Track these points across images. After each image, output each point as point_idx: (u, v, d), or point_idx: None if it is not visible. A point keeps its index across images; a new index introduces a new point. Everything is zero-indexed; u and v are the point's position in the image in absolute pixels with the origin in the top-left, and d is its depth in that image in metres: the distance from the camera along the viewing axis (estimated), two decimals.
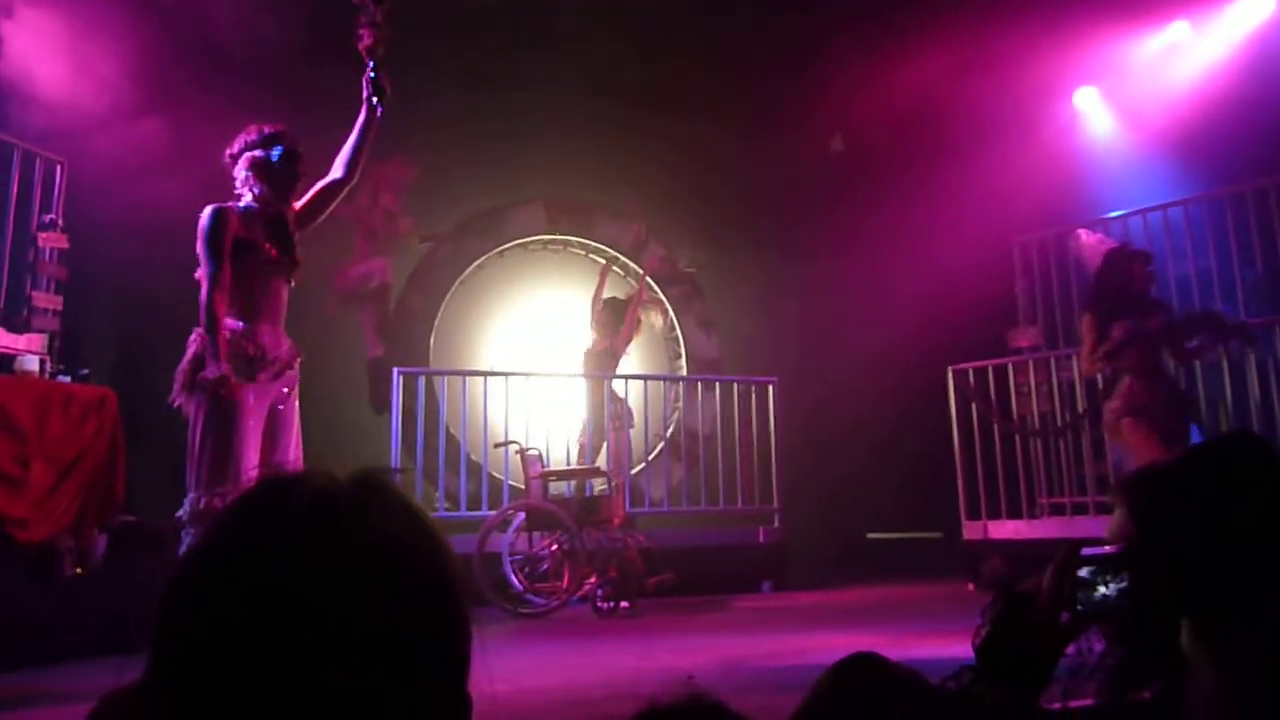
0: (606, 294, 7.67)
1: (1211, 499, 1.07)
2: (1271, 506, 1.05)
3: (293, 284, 3.61)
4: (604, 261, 8.30)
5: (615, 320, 7.40)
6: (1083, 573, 1.14)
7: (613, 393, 7.18)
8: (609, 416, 7.02)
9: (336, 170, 3.66)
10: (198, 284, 3.42)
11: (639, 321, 7.80)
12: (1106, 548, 1.15)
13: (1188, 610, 1.07)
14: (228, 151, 3.55)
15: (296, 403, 3.61)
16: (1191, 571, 1.07)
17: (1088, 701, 1.16)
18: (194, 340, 3.42)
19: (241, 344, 3.42)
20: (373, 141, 3.64)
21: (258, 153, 3.50)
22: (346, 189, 3.70)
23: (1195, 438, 5.11)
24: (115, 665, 0.69)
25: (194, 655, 0.62)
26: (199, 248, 3.41)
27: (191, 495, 3.30)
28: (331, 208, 3.71)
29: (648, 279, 8.18)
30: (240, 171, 3.52)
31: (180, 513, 3.30)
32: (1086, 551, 1.14)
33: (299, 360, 3.61)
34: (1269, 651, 0.97)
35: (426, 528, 0.71)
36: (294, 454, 3.56)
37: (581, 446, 7.06)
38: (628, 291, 8.20)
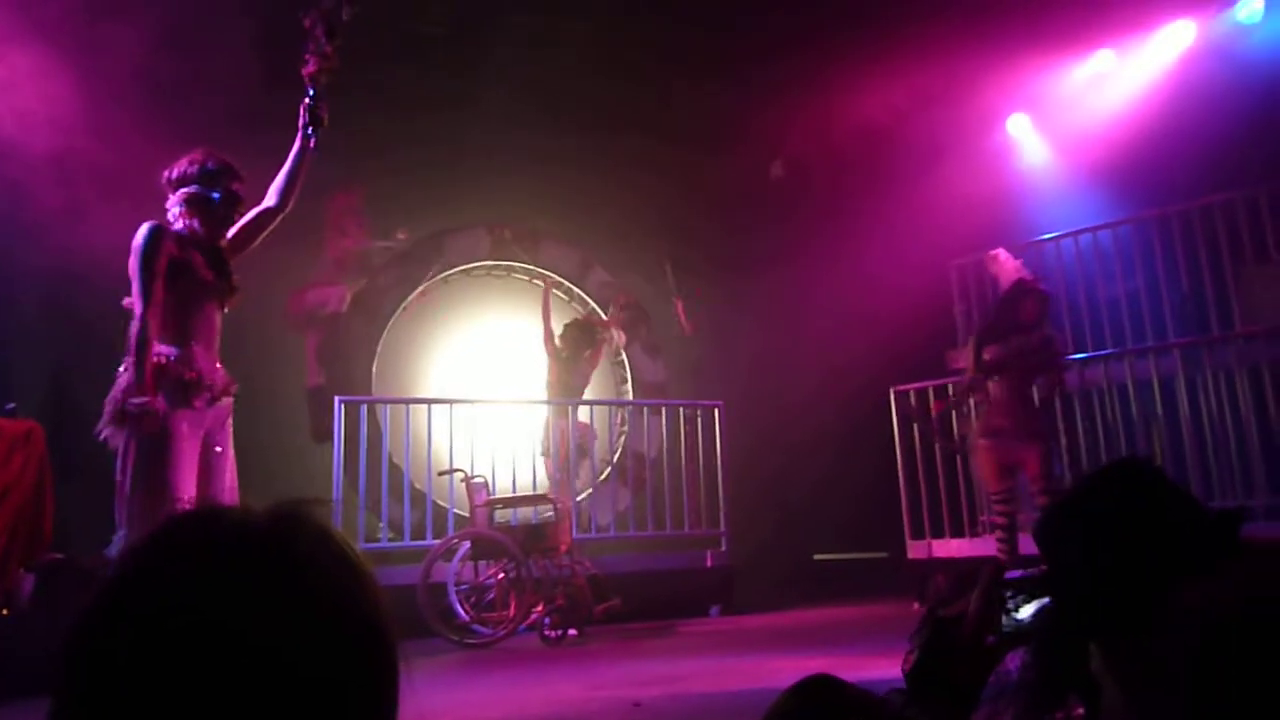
0: (566, 318, 7.73)
1: (1097, 521, 1.12)
2: (1151, 522, 1.09)
3: (226, 310, 3.53)
4: (543, 283, 8.28)
5: (583, 344, 7.47)
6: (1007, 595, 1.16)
7: (576, 420, 7.31)
8: (574, 442, 7.07)
9: (270, 199, 3.59)
10: (129, 311, 3.32)
11: (598, 352, 7.87)
12: (1028, 570, 1.19)
13: (1091, 631, 1.10)
14: (166, 174, 3.46)
15: (231, 433, 3.52)
16: (1086, 592, 1.10)
17: None
18: (125, 369, 3.32)
19: (176, 369, 3.32)
20: (307, 169, 3.58)
21: (196, 189, 3.42)
22: (279, 217, 3.62)
23: (1057, 471, 5.29)
24: (43, 709, 0.66)
25: (97, 698, 0.60)
26: (132, 264, 3.28)
27: (122, 532, 3.18)
28: (263, 236, 3.64)
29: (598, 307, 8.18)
30: (176, 205, 3.44)
31: (109, 549, 3.18)
32: (1009, 575, 1.17)
33: (234, 389, 3.53)
34: (1169, 655, 1.00)
35: (348, 561, 0.69)
36: (230, 485, 3.47)
37: (548, 472, 7.08)
38: (588, 315, 8.24)
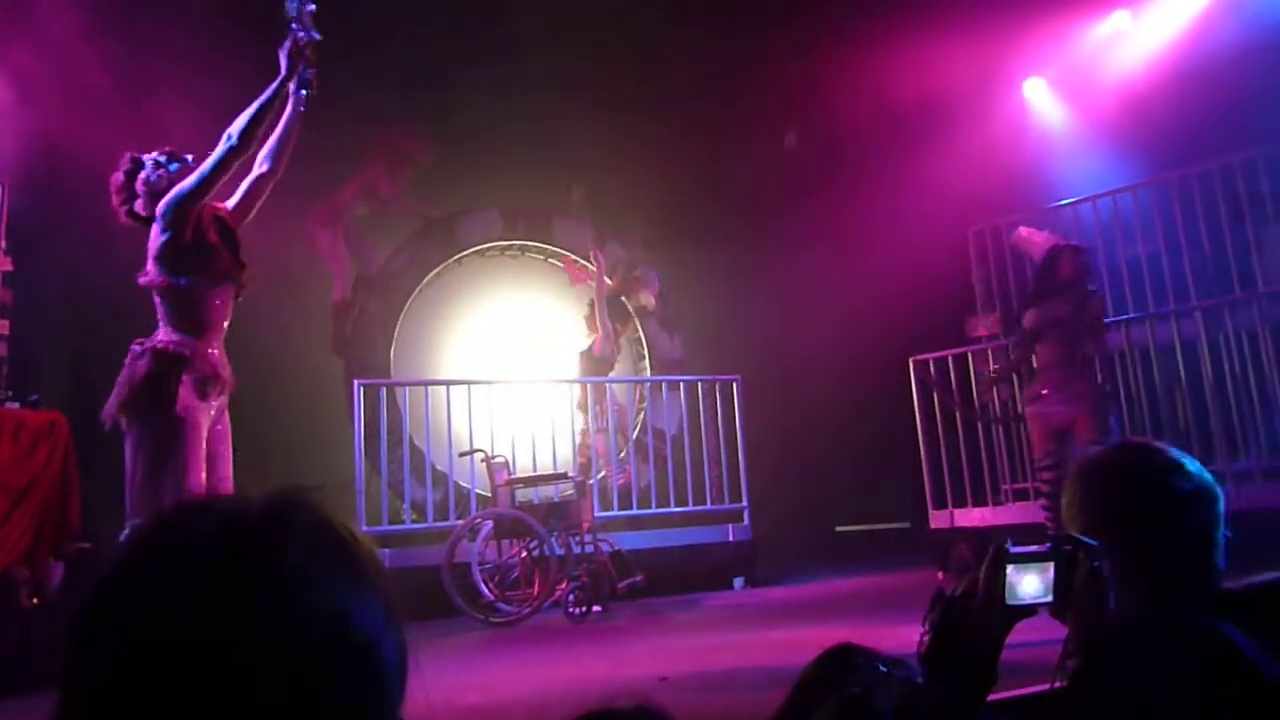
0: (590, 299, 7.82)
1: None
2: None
3: (240, 298, 3.54)
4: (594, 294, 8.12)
5: (619, 318, 7.61)
6: (1011, 569, 1.18)
7: (599, 395, 7.39)
8: (593, 417, 7.14)
9: (263, 164, 3.56)
10: (148, 290, 3.35)
11: (614, 330, 7.84)
12: (1032, 546, 1.21)
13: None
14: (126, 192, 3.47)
15: (229, 424, 3.54)
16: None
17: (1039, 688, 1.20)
18: (142, 354, 3.33)
19: (200, 364, 3.35)
20: (298, 133, 3.55)
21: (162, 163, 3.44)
22: (273, 181, 3.60)
23: (1114, 432, 5.22)
24: None
25: (93, 695, 0.59)
26: (164, 206, 3.30)
27: (136, 521, 3.18)
28: (260, 202, 3.64)
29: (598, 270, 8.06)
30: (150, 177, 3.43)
31: (121, 539, 3.21)
32: (1014, 550, 1.19)
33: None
34: None
35: (348, 549, 0.67)
36: (226, 474, 3.50)
37: (584, 446, 7.15)
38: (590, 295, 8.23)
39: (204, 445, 3.33)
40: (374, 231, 8.26)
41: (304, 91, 3.48)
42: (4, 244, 5.65)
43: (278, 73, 3.40)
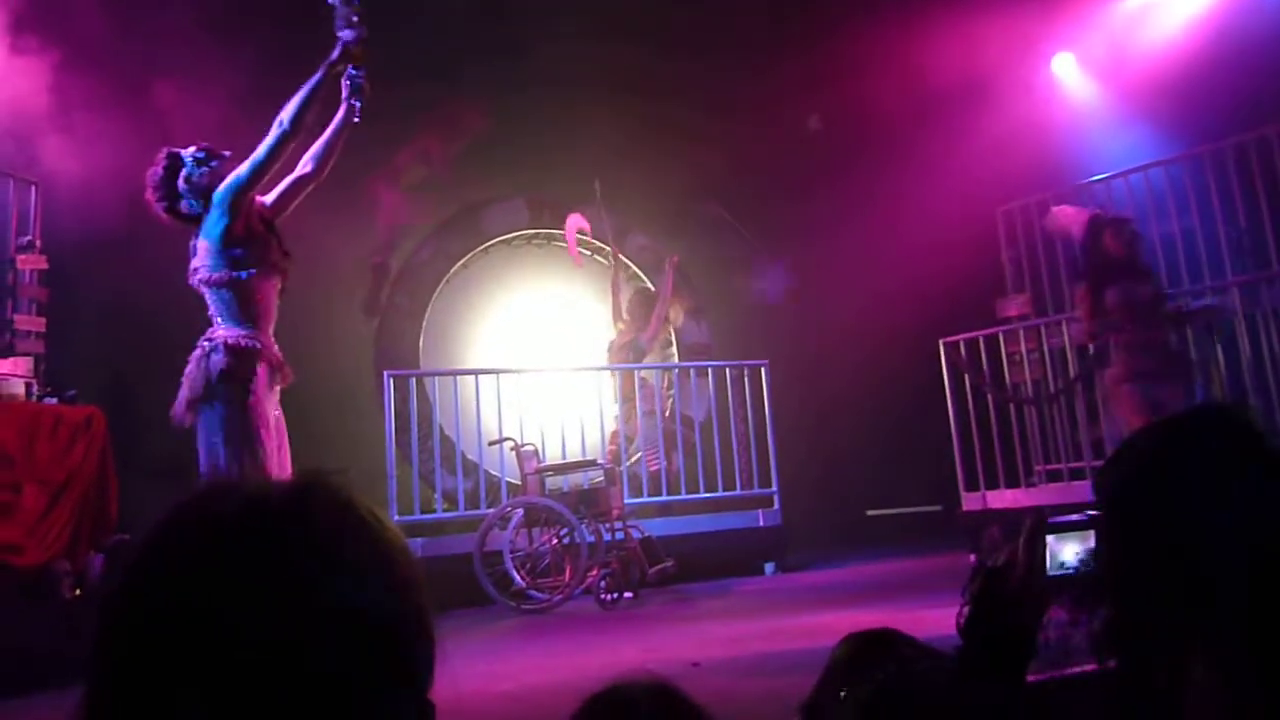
0: (632, 286, 7.76)
1: (1181, 482, 1.02)
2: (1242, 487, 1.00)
3: (284, 290, 3.58)
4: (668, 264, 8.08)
5: (645, 313, 7.48)
6: (1051, 540, 1.17)
7: (642, 380, 7.37)
8: (627, 400, 7.12)
9: (306, 165, 3.59)
10: (193, 289, 3.39)
11: (666, 318, 7.83)
12: (1072, 515, 1.19)
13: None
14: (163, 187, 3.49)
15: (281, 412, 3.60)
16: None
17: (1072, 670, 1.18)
18: (213, 349, 3.35)
19: (269, 355, 3.41)
20: (345, 140, 3.59)
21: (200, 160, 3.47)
22: (314, 184, 3.64)
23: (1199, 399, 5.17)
24: None
25: (121, 676, 0.60)
26: (222, 195, 3.36)
27: None
28: (296, 202, 3.66)
29: (673, 271, 7.98)
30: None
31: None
32: (1053, 520, 1.18)
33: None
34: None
35: (369, 530, 0.67)
36: (287, 463, 3.55)
37: (615, 435, 7.16)
38: (654, 287, 8.24)
39: (272, 434, 3.39)
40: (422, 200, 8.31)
41: (357, 102, 3.49)
42: (39, 243, 5.75)
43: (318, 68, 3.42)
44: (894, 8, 7.33)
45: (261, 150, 3.34)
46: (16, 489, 4.51)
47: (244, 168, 3.35)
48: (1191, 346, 6.15)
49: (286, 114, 3.35)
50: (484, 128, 8.00)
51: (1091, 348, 5.82)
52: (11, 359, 5.26)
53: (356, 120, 3.54)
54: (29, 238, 5.72)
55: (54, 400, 5.14)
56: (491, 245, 8.58)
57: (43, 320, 5.63)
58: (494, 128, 7.85)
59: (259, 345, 3.36)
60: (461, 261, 8.44)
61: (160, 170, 3.48)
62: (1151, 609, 1.03)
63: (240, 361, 3.33)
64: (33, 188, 5.82)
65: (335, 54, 3.40)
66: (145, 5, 6.29)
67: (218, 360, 3.32)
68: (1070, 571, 1.17)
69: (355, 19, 3.42)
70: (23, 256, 5.65)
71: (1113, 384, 5.26)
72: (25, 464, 4.56)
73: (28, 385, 5.15)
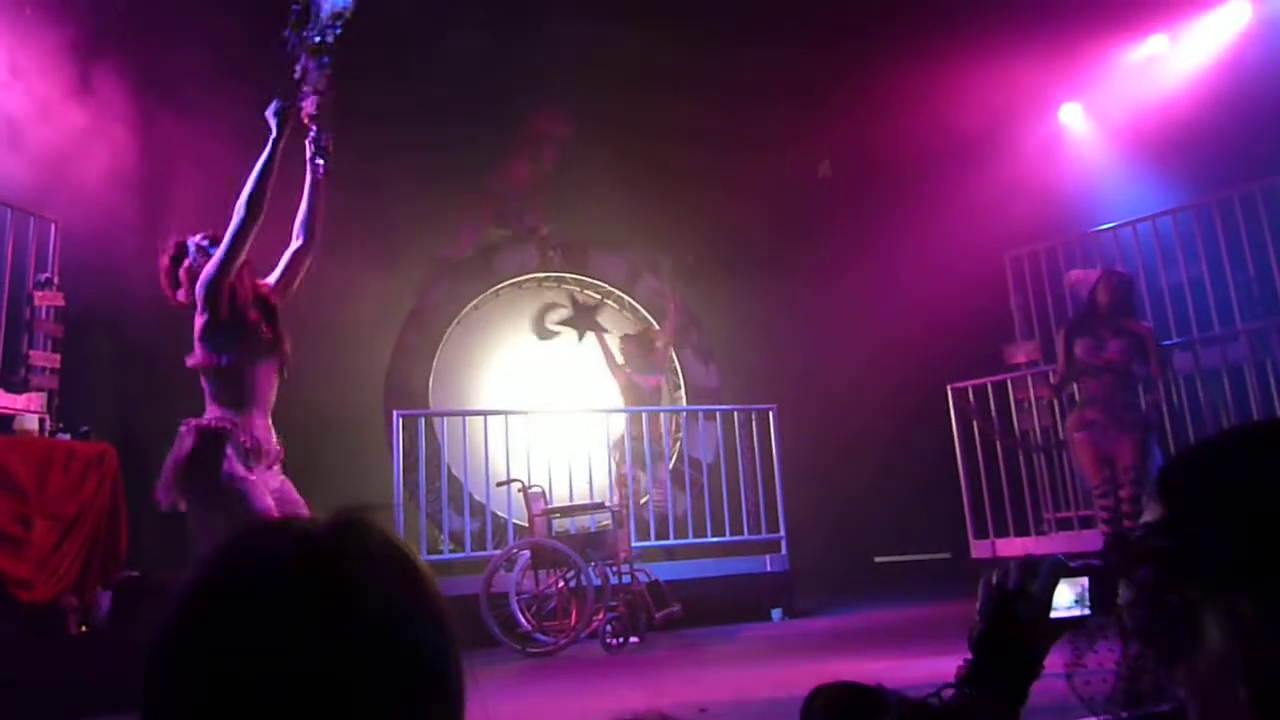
0: (628, 331, 7.86)
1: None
2: None
3: (285, 375, 3.54)
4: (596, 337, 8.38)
5: (641, 353, 7.57)
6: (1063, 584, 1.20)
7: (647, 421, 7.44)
8: (630, 446, 7.15)
9: (297, 238, 3.57)
10: (194, 369, 3.37)
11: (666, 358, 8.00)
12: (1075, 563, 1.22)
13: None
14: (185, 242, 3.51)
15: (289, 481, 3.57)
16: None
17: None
18: (188, 432, 3.32)
19: (242, 437, 3.36)
20: (324, 200, 3.56)
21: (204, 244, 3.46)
22: (310, 254, 3.61)
23: (1158, 460, 5.16)
24: None
25: (181, 710, 0.62)
26: (199, 289, 3.34)
27: None
28: (301, 274, 3.65)
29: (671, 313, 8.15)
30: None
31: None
32: (1075, 564, 1.21)
33: (283, 455, 3.56)
34: None
35: (409, 575, 0.69)
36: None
37: (622, 477, 7.17)
38: (645, 328, 8.34)
39: (269, 501, 3.36)
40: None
41: (321, 161, 3.49)
42: (56, 280, 5.82)
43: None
44: (904, 54, 7.42)
45: (225, 241, 3.33)
46: (27, 523, 4.53)
47: (212, 262, 3.35)
48: (1200, 391, 6.15)
49: (241, 200, 3.33)
50: (567, 132, 8.43)
51: (1064, 396, 5.94)
52: (26, 394, 5.31)
53: (321, 177, 3.51)
54: (47, 275, 5.80)
55: (67, 436, 5.18)
56: (502, 287, 8.65)
57: (58, 356, 5.68)
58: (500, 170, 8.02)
59: (228, 427, 3.32)
60: (473, 303, 8.51)
61: (167, 260, 3.51)
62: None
63: (208, 443, 3.30)
64: (52, 225, 5.90)
65: (275, 130, 3.37)
66: (164, 46, 6.42)
67: (188, 443, 3.30)
68: (1063, 614, 1.19)
69: (323, 86, 3.42)
70: (40, 293, 5.72)
71: (1068, 432, 5.43)
72: (36, 498, 4.59)
73: (41, 420, 5.20)
